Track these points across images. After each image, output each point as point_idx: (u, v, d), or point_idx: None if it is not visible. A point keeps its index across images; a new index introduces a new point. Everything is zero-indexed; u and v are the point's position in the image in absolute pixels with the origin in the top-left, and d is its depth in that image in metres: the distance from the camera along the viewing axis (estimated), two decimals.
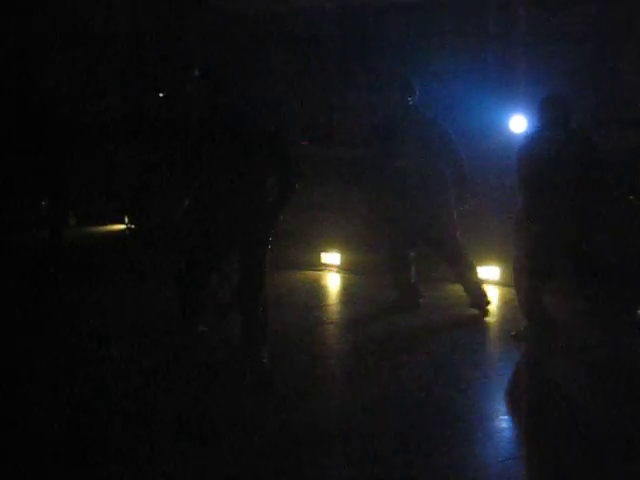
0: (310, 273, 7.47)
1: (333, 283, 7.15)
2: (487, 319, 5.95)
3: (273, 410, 4.21)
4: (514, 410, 4.33)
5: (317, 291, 7.00)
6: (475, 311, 5.97)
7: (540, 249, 5.21)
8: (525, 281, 5.30)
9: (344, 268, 7.49)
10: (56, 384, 4.57)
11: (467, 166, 5.84)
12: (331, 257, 7.58)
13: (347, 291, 6.96)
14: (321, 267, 7.57)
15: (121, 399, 4.32)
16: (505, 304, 6.21)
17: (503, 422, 4.16)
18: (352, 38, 7.99)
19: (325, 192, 7.71)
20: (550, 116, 5.24)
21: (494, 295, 6.49)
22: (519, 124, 6.59)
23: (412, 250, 6.10)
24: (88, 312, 6.05)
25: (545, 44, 7.07)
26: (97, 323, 5.73)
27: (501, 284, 6.68)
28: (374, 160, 5.99)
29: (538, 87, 6.56)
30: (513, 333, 5.42)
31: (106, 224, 10.00)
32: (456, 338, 5.57)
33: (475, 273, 6.06)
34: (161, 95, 8.20)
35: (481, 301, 6.00)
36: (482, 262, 6.57)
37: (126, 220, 9.40)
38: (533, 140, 5.34)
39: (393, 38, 7.36)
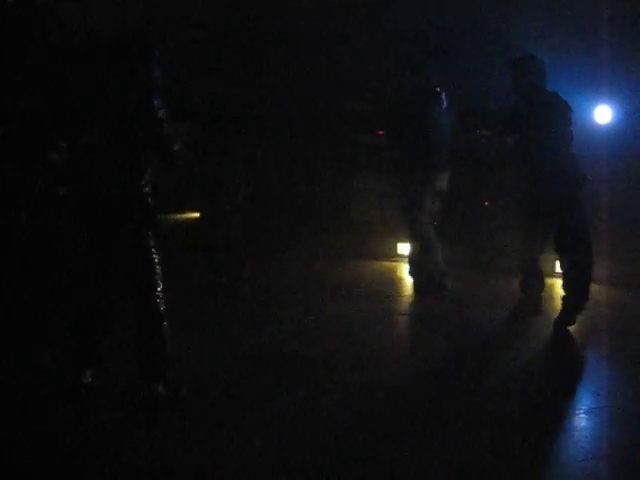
0: (386, 264, 7.44)
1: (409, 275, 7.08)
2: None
3: (341, 403, 4.20)
4: (595, 407, 4.22)
5: (392, 282, 6.97)
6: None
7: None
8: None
9: None
10: None
11: None
12: (408, 247, 7.51)
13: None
14: (397, 257, 7.53)
15: None
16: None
17: (583, 420, 4.06)
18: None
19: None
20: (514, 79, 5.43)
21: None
22: (604, 115, 6.43)
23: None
24: None
25: (631, 33, 6.87)
26: None
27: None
28: None
29: (623, 77, 6.38)
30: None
31: (184, 212, 10.16)
32: (537, 334, 5.47)
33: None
34: None
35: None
36: None
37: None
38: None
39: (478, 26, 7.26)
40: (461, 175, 7.77)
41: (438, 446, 3.69)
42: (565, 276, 5.47)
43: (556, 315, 5.53)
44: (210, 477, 3.43)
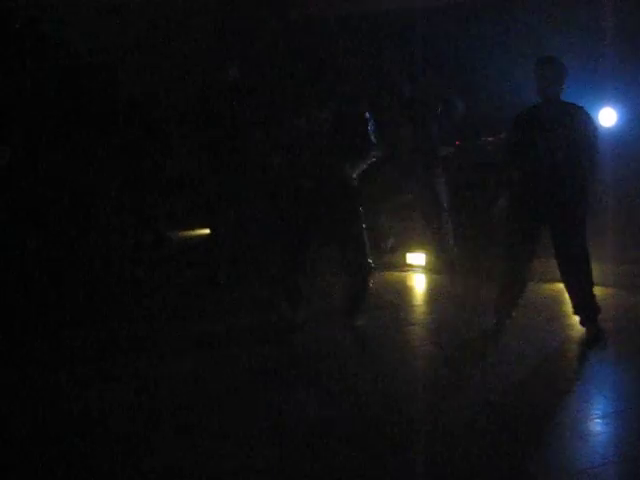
0: (395, 274, 7.42)
1: (419, 284, 7.09)
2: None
3: (350, 412, 4.21)
4: (609, 412, 4.19)
5: (402, 292, 6.95)
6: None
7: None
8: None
9: (429, 268, 7.42)
10: None
11: None
12: (416, 257, 7.52)
13: (433, 292, 6.90)
14: (406, 268, 7.52)
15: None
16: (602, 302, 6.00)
17: (598, 425, 4.03)
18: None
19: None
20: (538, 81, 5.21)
21: None
22: (608, 117, 6.42)
23: None
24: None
25: (635, 35, 6.87)
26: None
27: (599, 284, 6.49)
28: None
29: (628, 79, 6.38)
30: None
31: (194, 229, 10.18)
32: (548, 339, 5.43)
33: None
34: None
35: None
36: None
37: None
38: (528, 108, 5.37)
39: (480, 31, 7.29)
40: (472, 178, 7.82)
41: (447, 452, 3.67)
42: (567, 285, 5.45)
43: (562, 320, 5.51)
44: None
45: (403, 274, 7.39)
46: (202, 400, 4.39)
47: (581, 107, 5.22)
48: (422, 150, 7.00)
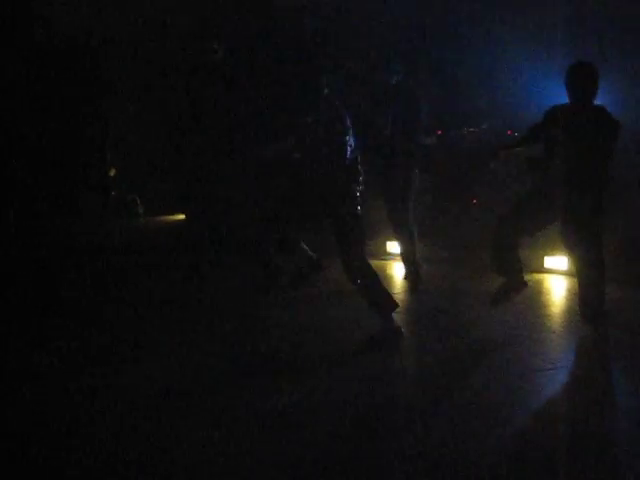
0: (375, 262, 7.44)
1: (399, 272, 7.16)
2: (552, 309, 5.91)
3: (337, 401, 4.28)
4: (581, 398, 4.32)
5: (383, 280, 6.99)
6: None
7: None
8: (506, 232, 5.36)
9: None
10: None
11: None
12: (396, 246, 7.58)
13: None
14: (387, 256, 7.59)
15: None
16: (574, 295, 6.12)
17: (571, 410, 4.17)
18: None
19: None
20: (572, 87, 5.18)
21: (561, 285, 6.47)
22: None
23: None
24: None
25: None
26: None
27: (569, 274, 6.62)
28: None
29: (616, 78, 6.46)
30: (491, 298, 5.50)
31: (173, 214, 10.17)
32: (521, 329, 5.53)
33: None
34: None
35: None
36: (550, 252, 6.60)
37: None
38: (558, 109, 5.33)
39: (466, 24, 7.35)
40: (447, 172, 7.91)
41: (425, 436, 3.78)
42: (579, 275, 5.41)
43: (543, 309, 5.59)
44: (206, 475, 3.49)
45: (383, 262, 7.44)
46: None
47: (609, 114, 5.18)
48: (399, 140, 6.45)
